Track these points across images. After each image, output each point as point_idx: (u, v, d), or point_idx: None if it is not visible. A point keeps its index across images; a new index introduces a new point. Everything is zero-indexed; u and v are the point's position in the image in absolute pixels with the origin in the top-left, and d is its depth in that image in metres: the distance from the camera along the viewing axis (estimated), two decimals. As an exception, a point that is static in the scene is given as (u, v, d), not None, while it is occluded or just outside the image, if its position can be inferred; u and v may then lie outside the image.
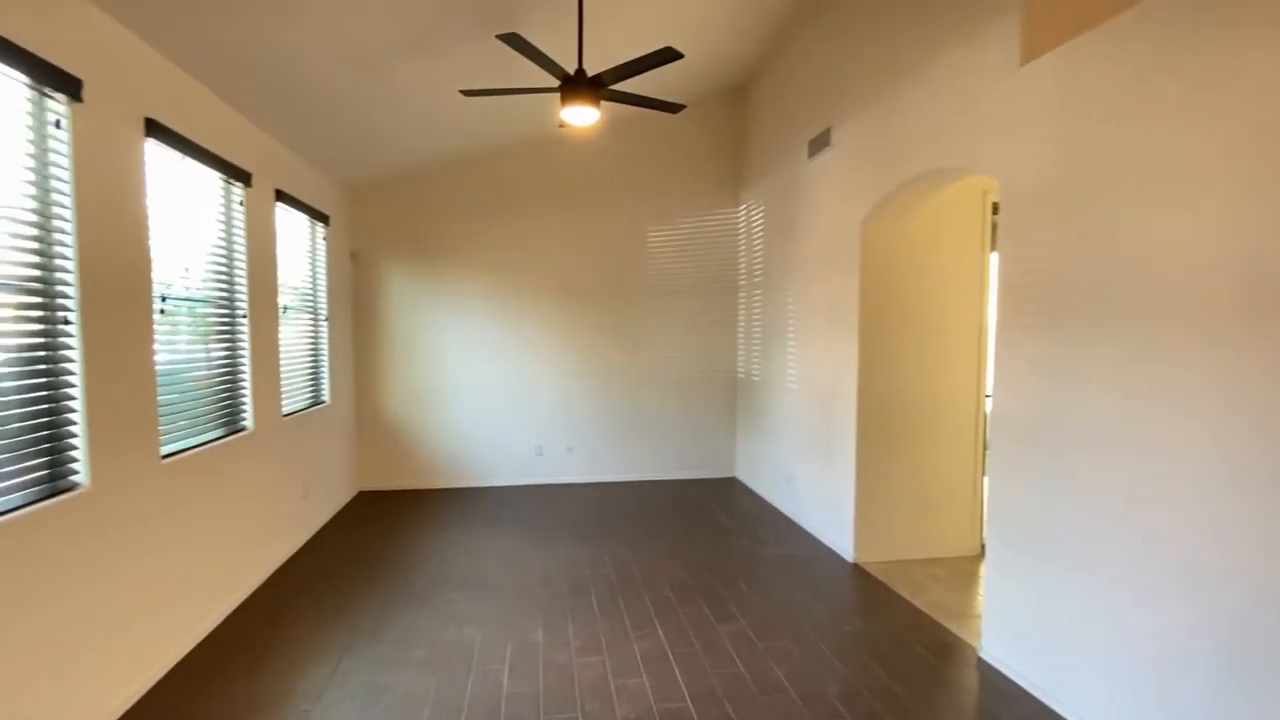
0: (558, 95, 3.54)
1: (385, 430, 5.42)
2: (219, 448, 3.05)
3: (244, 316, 3.36)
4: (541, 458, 5.61)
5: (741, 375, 5.71)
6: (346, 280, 5.17)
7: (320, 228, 4.60)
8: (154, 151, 2.58)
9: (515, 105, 4.35)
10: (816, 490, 4.22)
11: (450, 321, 5.45)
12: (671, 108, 3.43)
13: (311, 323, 4.46)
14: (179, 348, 2.83)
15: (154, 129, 2.54)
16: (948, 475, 3.83)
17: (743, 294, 5.66)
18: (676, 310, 5.71)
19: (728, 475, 5.88)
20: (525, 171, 5.47)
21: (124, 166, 2.38)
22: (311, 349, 4.47)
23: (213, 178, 3.10)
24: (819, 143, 4.16)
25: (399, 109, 4.02)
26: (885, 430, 3.75)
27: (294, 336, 4.14)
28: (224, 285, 3.20)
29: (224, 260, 3.19)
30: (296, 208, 4.08)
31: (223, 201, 3.19)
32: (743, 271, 5.65)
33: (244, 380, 3.37)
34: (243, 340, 3.36)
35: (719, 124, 5.69)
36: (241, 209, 3.34)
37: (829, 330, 4.03)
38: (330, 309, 4.74)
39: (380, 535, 4.27)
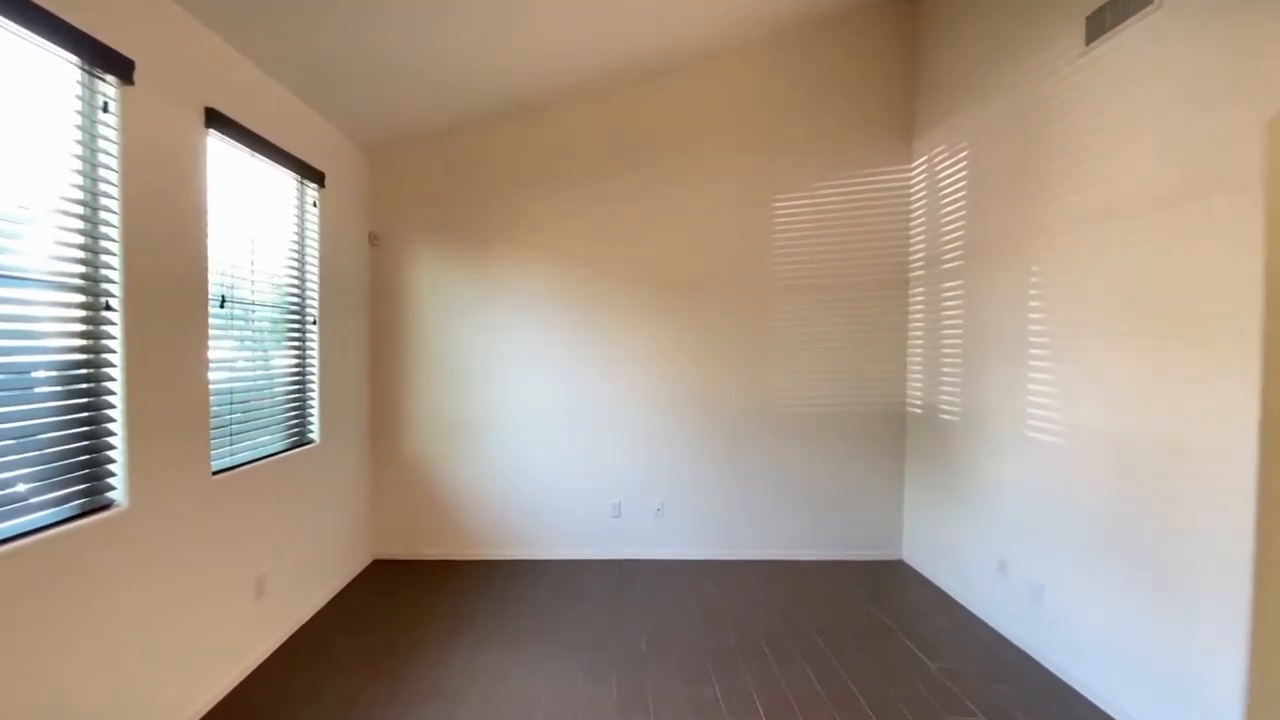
0: None
1: (409, 476, 3.97)
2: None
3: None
4: (620, 520, 3.97)
5: (918, 410, 3.85)
6: (357, 269, 3.77)
7: (311, 190, 3.21)
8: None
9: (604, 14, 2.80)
10: (1115, 629, 2.33)
11: (497, 328, 3.95)
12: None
13: (287, 328, 3.05)
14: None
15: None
16: None
17: (920, 288, 3.81)
18: (814, 314, 3.94)
19: (891, 557, 4.00)
20: (597, 123, 3.90)
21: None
22: (292, 367, 3.06)
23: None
24: (1122, 6, 2.31)
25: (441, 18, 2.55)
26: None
27: (246, 348, 2.73)
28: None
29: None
30: (265, 152, 2.68)
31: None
32: (920, 256, 3.81)
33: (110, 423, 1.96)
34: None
35: (876, 40, 3.90)
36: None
37: (1155, 340, 2.16)
38: (323, 308, 3.33)
39: (382, 643, 2.76)
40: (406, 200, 3.90)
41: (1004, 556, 2.97)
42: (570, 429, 3.93)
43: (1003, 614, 2.97)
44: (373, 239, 3.89)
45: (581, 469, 3.94)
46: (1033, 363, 2.79)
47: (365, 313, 3.87)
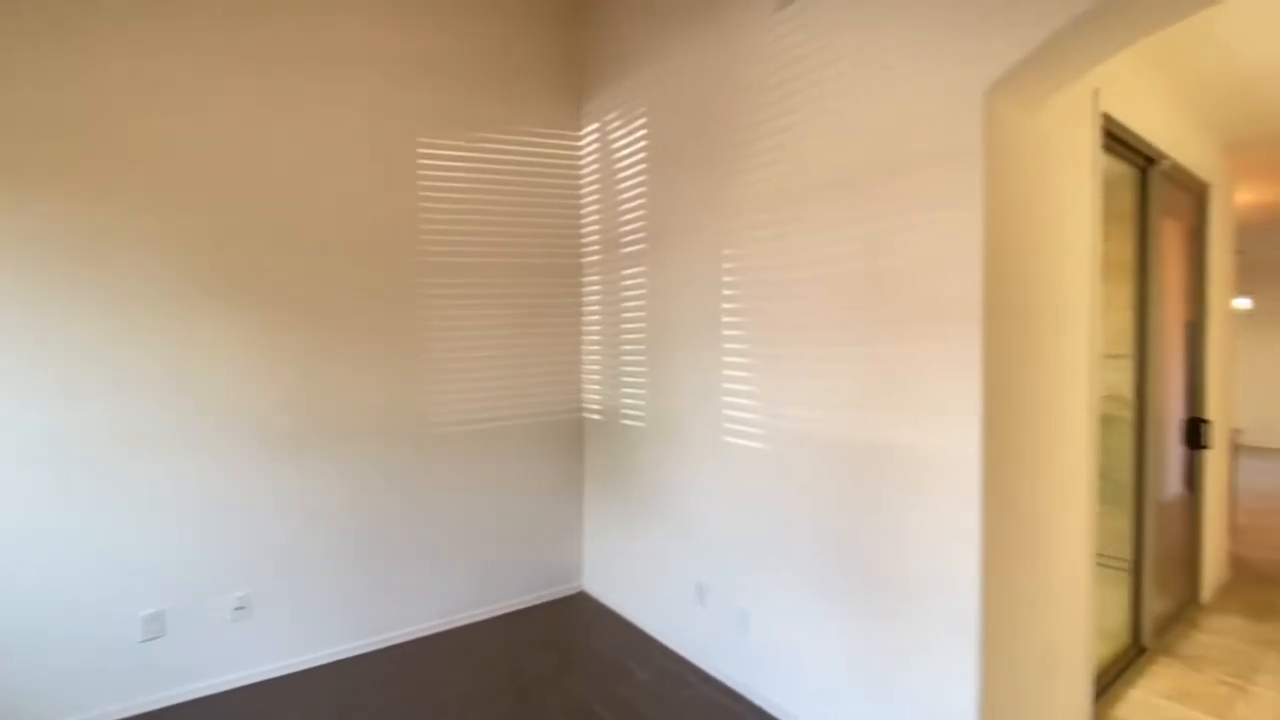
0: None
1: None
2: None
3: None
4: (161, 643, 2.39)
5: (597, 416, 3.31)
6: None
7: None
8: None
9: None
10: (834, 654, 2.08)
11: None
12: None
13: None
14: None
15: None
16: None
17: (596, 275, 3.28)
18: (475, 299, 3.05)
19: (570, 589, 3.39)
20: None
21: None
22: None
23: None
24: (820, -45, 2.06)
25: None
26: (1019, 546, 1.79)
27: None
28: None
29: None
30: None
31: None
32: (595, 236, 3.27)
33: None
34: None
35: (546, -23, 3.23)
36: None
37: (870, 331, 1.93)
38: None
39: None
40: None
41: (703, 580, 2.60)
42: (54, 494, 2.19)
43: (704, 647, 2.60)
44: None
45: (80, 564, 2.24)
46: (730, 358, 2.45)
47: None
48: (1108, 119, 2.27)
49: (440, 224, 2.93)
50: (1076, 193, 2.08)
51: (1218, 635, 2.93)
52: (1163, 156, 2.74)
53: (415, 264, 2.86)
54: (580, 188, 3.35)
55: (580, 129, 3.34)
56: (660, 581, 2.84)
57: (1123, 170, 2.70)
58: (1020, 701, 1.85)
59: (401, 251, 2.82)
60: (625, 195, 3.03)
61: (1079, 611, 2.14)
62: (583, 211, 3.34)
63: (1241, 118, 3.23)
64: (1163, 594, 2.95)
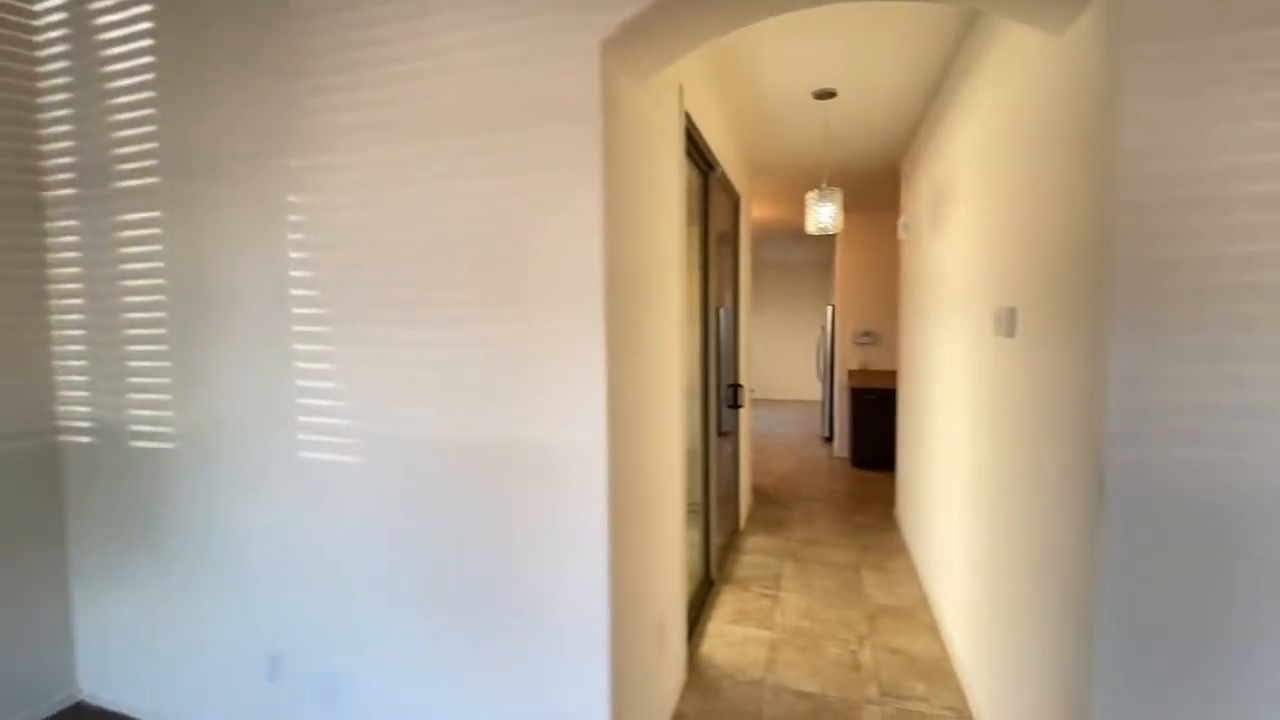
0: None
1: None
2: None
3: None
4: None
5: (87, 437, 2.17)
6: None
7: None
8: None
9: None
10: (447, 705, 1.73)
11: None
12: None
13: None
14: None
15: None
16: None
17: (74, 219, 2.12)
18: None
19: (58, 703, 2.18)
20: None
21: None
22: None
23: None
24: None
25: None
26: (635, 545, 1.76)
27: None
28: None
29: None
30: None
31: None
32: (66, 160, 2.10)
33: None
34: None
35: None
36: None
37: (487, 311, 1.62)
38: None
39: None
40: None
41: (277, 646, 1.93)
42: None
43: (282, 731, 1.94)
44: None
45: None
46: (305, 346, 1.83)
47: None
48: (688, 118, 2.47)
49: None
50: (670, 179, 2.18)
51: (754, 555, 3.71)
52: (718, 164, 3.20)
53: None
54: (36, 81, 2.12)
55: (27, -14, 2.10)
56: (211, 660, 2.03)
57: (689, 169, 3.06)
58: (641, 683, 1.85)
59: None
60: (121, 103, 2.02)
61: (678, 574, 2.32)
62: (42, 119, 2.12)
63: (756, 145, 4.09)
64: (719, 529, 3.57)
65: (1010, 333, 1.91)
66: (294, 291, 1.83)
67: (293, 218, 1.81)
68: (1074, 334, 1.43)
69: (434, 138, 1.64)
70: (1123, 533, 1.26)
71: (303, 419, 1.83)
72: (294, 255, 1.82)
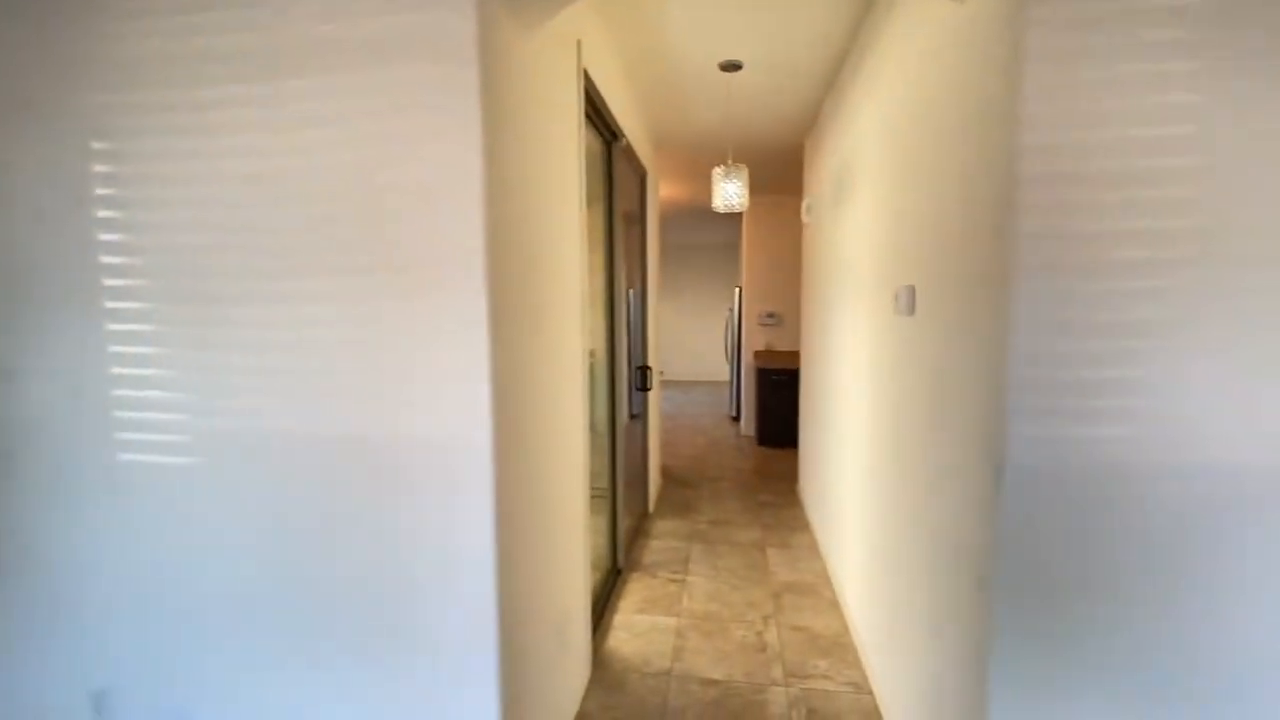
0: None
1: None
2: None
3: None
4: None
5: None
6: None
7: None
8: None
9: None
10: (315, 735, 1.51)
11: None
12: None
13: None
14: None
15: None
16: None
17: None
18: None
19: None
20: None
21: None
22: None
23: None
24: None
25: None
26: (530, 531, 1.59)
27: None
28: None
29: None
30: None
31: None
32: None
33: None
34: None
35: None
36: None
37: (356, 281, 1.39)
38: None
39: None
40: None
41: (104, 684, 1.62)
42: None
43: (110, 783, 1.64)
44: None
45: None
46: (121, 326, 1.51)
47: None
48: (587, 78, 2.29)
49: None
50: (568, 142, 2.00)
51: (662, 539, 3.66)
52: (622, 134, 3.04)
53: None
54: None
55: None
56: (24, 703, 1.68)
57: (591, 137, 2.87)
58: (538, 693, 1.71)
59: None
60: None
61: (582, 568, 2.19)
62: None
63: (662, 117, 3.95)
64: (627, 514, 3.48)
65: (910, 311, 1.91)
66: (105, 260, 1.50)
67: (100, 168, 1.48)
68: (974, 310, 1.41)
69: (280, 74, 1.37)
70: (1017, 507, 1.25)
71: (119, 414, 1.52)
72: (104, 215, 1.49)
